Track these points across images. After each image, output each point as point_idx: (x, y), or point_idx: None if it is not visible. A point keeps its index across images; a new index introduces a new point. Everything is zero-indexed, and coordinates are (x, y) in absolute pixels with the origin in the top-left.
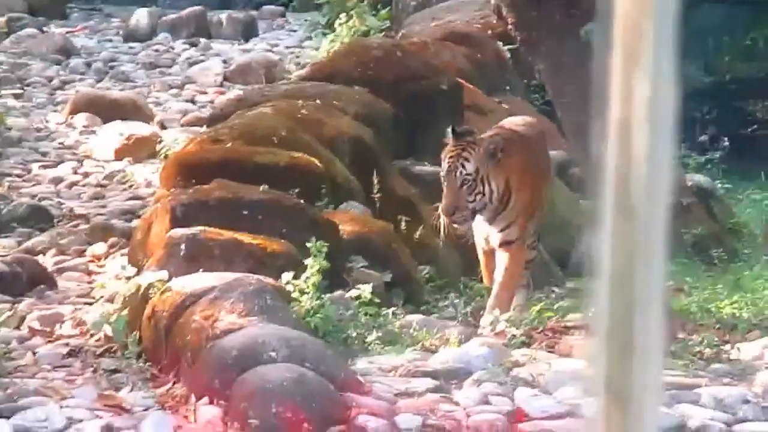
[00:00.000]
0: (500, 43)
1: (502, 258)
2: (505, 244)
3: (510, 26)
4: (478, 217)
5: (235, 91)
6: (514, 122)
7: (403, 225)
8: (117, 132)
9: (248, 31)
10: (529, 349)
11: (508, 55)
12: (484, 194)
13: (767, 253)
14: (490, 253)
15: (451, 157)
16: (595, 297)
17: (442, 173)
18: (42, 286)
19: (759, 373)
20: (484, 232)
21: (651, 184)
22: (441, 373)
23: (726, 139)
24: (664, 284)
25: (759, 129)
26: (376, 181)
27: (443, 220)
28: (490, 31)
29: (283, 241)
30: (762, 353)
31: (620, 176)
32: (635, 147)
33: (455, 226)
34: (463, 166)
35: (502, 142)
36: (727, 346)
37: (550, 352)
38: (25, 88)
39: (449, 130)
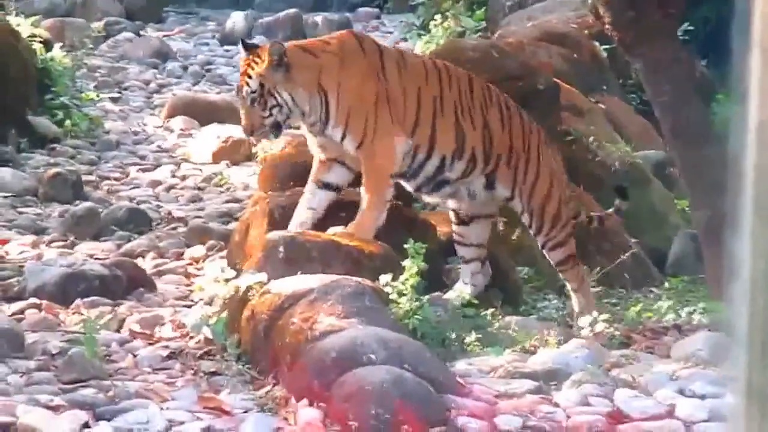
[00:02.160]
0: (597, 43)
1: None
2: (357, 149)
3: (607, 26)
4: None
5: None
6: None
7: (500, 226)
8: (214, 135)
9: None
10: (628, 350)
11: (605, 54)
12: (279, 105)
13: None
14: (326, 162)
15: (240, 75)
16: (735, 299)
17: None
18: (141, 289)
19: None
20: (319, 141)
21: None
22: (540, 375)
23: None
24: None
25: None
26: None
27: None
28: (586, 31)
29: (380, 242)
30: None
31: (761, 179)
32: None
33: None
34: (248, 84)
35: (281, 48)
36: None
37: (649, 352)
38: (123, 91)
39: (240, 43)
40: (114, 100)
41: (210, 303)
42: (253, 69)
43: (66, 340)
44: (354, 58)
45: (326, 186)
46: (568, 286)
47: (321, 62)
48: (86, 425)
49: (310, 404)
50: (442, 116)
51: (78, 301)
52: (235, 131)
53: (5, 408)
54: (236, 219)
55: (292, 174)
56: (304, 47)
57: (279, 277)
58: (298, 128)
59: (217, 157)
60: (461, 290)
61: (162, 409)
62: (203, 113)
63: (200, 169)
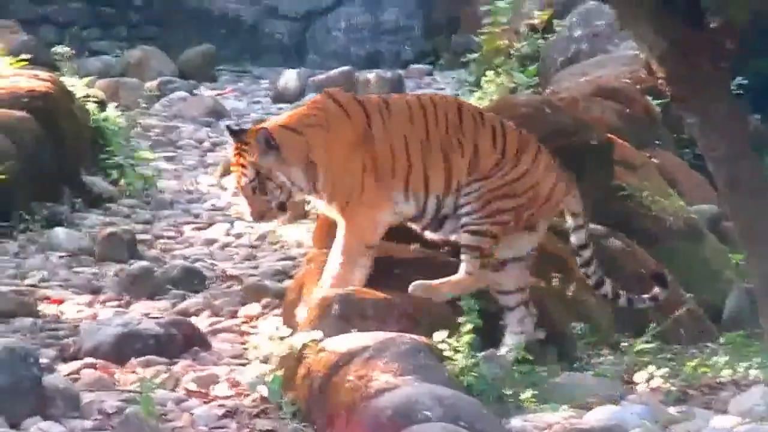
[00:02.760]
0: (649, 98)
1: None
2: (340, 213)
3: (660, 80)
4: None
5: None
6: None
7: (555, 281)
8: None
9: (396, 90)
10: (685, 406)
11: (658, 109)
12: (280, 188)
13: None
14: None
15: (233, 166)
16: None
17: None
18: (197, 348)
19: None
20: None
21: None
22: (597, 431)
23: None
24: None
25: None
26: None
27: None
28: (639, 86)
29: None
30: None
31: None
32: None
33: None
34: (244, 174)
35: (265, 133)
36: None
37: (706, 408)
38: (177, 150)
39: (226, 129)
40: (168, 158)
41: (265, 361)
42: (245, 158)
43: (122, 400)
44: (338, 125)
45: None
46: (461, 267)
47: (306, 139)
48: None
49: None
50: (430, 155)
51: (133, 360)
52: None
53: None
54: (291, 277)
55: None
56: (287, 126)
57: (334, 334)
58: None
59: None
60: (512, 341)
61: None
62: None
63: (254, 227)
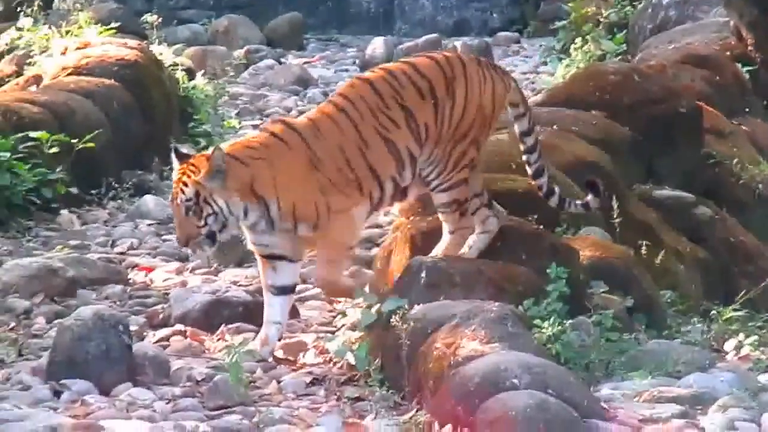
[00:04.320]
0: (739, 65)
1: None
2: (313, 231)
3: (749, 47)
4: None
5: None
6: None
7: (643, 249)
8: None
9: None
10: None
11: (747, 76)
12: (215, 214)
13: None
14: (267, 263)
15: (174, 183)
16: None
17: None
18: None
19: None
20: (258, 239)
21: None
22: (686, 399)
23: None
24: None
25: None
26: (615, 206)
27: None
28: (728, 53)
29: (523, 267)
30: None
31: None
32: None
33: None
34: (183, 192)
35: (220, 156)
36: None
37: None
38: (264, 119)
39: (172, 152)
40: (255, 127)
41: (353, 329)
42: (189, 177)
43: (211, 367)
44: (279, 156)
45: (282, 291)
46: (444, 228)
47: (252, 171)
48: None
49: (454, 429)
50: (369, 149)
51: (222, 328)
52: None
53: None
54: (378, 245)
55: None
56: (234, 155)
57: (421, 302)
58: None
59: None
60: (474, 240)
61: None
62: None
63: None
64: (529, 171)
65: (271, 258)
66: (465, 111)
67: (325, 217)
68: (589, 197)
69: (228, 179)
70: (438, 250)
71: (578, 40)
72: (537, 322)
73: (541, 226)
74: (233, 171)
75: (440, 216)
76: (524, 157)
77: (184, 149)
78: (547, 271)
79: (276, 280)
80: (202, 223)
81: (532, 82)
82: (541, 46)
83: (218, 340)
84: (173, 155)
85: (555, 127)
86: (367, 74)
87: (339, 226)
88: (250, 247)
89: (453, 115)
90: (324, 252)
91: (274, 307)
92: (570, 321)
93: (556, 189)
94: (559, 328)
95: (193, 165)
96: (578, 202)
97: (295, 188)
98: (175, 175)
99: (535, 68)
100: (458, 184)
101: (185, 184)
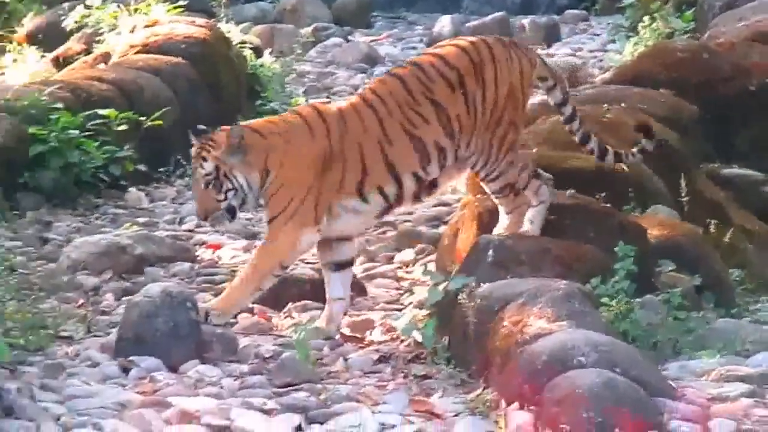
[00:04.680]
0: None
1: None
2: (268, 222)
3: None
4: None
5: (539, 97)
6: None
7: (712, 228)
8: None
9: (551, 36)
10: None
11: None
12: (235, 189)
13: None
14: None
15: (193, 159)
16: None
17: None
18: (352, 293)
19: None
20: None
21: None
22: (755, 378)
23: None
24: None
25: None
26: (683, 184)
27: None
28: None
29: (590, 245)
30: None
31: None
32: None
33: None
34: (202, 167)
35: (240, 131)
36: None
37: None
38: (331, 96)
39: (190, 132)
40: None
41: (420, 306)
42: (208, 152)
43: (278, 344)
44: (298, 138)
45: (339, 266)
46: (501, 210)
47: (269, 143)
48: (299, 428)
49: (521, 408)
50: (391, 145)
51: (289, 305)
52: None
53: (220, 411)
54: (445, 223)
55: None
56: (256, 129)
57: (488, 280)
58: None
59: None
60: (532, 214)
61: (374, 412)
62: None
63: None
64: (576, 139)
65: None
66: (497, 95)
67: (283, 219)
68: (643, 141)
69: (248, 154)
70: (498, 231)
71: (646, 18)
72: (604, 300)
73: (609, 205)
74: (253, 145)
75: (495, 200)
76: (566, 127)
77: (202, 126)
78: (615, 249)
79: (332, 257)
80: (222, 197)
81: (600, 60)
82: (608, 23)
83: (285, 317)
84: (191, 135)
85: (623, 105)
86: (397, 70)
87: (286, 239)
88: None
89: (485, 101)
90: (252, 260)
91: (333, 284)
92: (637, 299)
93: (608, 147)
94: (627, 306)
95: (212, 140)
96: (634, 150)
97: (292, 174)
98: (193, 151)
99: (602, 46)
100: (506, 168)
101: (204, 159)
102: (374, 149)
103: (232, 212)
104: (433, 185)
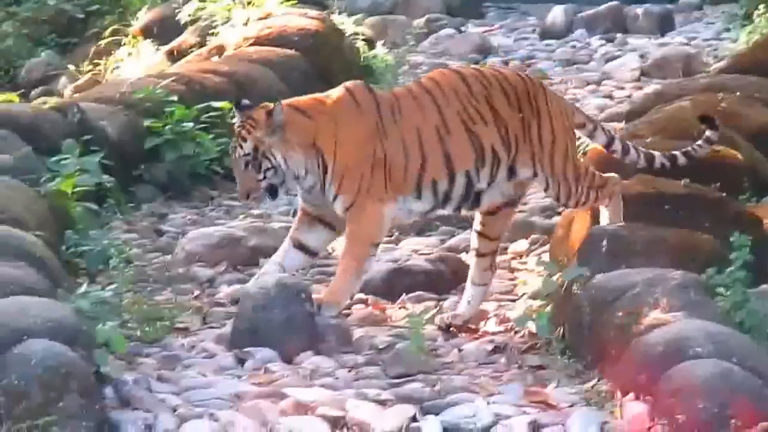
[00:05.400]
0: None
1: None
2: (345, 211)
3: None
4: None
5: (653, 86)
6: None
7: None
8: None
9: (665, 25)
10: None
11: None
12: (274, 168)
13: None
14: (308, 217)
15: (233, 138)
16: None
17: None
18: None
19: None
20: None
21: None
22: None
23: None
24: None
25: None
26: None
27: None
28: None
29: (706, 235)
30: None
31: None
32: None
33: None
34: (241, 147)
35: (280, 110)
36: None
37: None
38: None
39: (234, 106)
40: None
41: (534, 297)
42: (248, 131)
43: (392, 335)
44: (350, 117)
45: (301, 248)
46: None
47: (316, 124)
48: (414, 419)
49: (637, 398)
50: (449, 135)
51: (403, 296)
52: None
53: (335, 402)
54: (559, 213)
55: (613, 167)
56: (298, 107)
57: (603, 271)
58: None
59: None
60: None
61: (488, 403)
62: None
63: None
64: (642, 164)
65: (313, 217)
66: (553, 126)
67: (362, 200)
68: (708, 132)
69: (288, 133)
70: (604, 223)
71: (761, 6)
72: (720, 290)
73: (725, 194)
74: (295, 124)
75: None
76: (626, 160)
77: (246, 101)
78: (731, 239)
79: (304, 237)
80: (261, 176)
81: (715, 49)
82: (723, 12)
83: (399, 308)
84: (234, 107)
85: (738, 94)
86: (456, 66)
87: (369, 218)
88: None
89: (542, 132)
90: (346, 249)
91: (287, 254)
92: (754, 290)
93: (674, 152)
94: (743, 296)
95: (252, 119)
96: (699, 142)
97: (352, 154)
98: (235, 129)
99: (717, 35)
100: (588, 193)
101: (244, 139)
102: (432, 136)
103: (272, 192)
104: (476, 201)
